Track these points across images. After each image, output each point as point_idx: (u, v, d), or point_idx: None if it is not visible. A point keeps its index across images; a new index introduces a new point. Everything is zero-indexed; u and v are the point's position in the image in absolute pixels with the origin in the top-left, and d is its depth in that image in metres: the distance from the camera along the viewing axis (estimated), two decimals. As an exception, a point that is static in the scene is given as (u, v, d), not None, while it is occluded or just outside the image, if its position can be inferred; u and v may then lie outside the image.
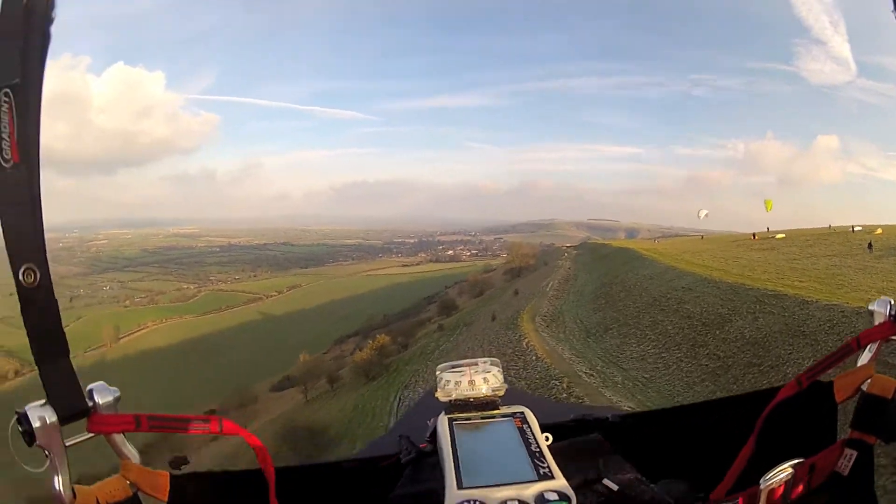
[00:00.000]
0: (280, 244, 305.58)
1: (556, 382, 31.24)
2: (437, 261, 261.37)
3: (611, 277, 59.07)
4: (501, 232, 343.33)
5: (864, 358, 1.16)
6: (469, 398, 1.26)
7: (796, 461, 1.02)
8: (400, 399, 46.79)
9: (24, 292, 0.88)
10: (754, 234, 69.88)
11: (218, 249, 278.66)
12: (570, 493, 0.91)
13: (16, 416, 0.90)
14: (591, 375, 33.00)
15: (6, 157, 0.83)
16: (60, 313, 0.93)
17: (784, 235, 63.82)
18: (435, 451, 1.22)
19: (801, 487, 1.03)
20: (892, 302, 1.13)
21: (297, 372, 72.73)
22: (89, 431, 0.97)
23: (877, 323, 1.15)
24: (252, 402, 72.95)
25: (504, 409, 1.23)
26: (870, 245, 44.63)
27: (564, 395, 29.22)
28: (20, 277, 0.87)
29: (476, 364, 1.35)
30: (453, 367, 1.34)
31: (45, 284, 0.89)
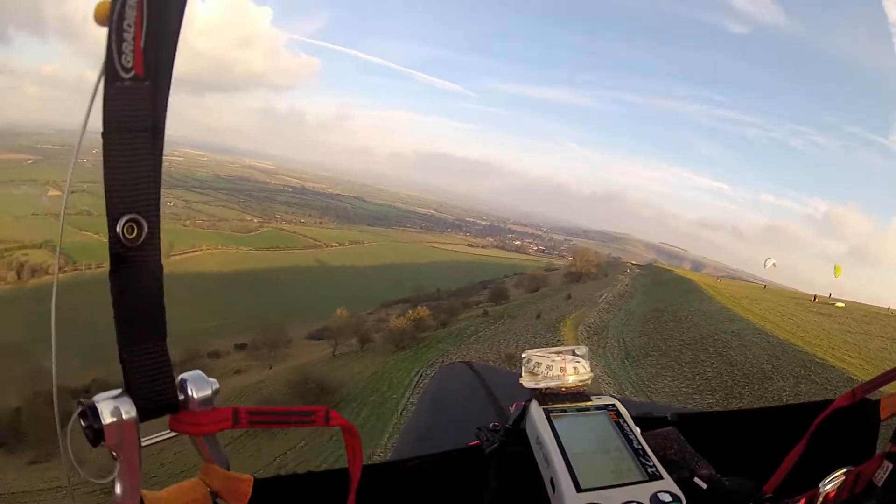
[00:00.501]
0: (353, 197, 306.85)
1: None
2: (503, 248, 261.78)
3: (665, 304, 58.32)
4: (573, 234, 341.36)
5: None
6: (560, 387, 1.20)
7: (847, 469, 1.09)
8: (421, 376, 46.85)
9: (120, 250, 0.68)
10: (815, 297, 67.66)
11: (290, 189, 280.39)
12: (680, 493, 0.91)
13: (79, 408, 0.72)
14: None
15: (126, 65, 0.63)
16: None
17: (843, 305, 61.49)
18: (518, 440, 1.17)
19: (845, 493, 1.11)
20: None
21: (335, 325, 73.19)
22: (172, 430, 0.82)
23: None
24: (284, 345, 74.26)
25: (595, 401, 1.20)
26: None
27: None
28: (120, 230, 0.67)
29: (568, 350, 1.28)
30: (542, 351, 1.27)
31: (152, 243, 0.71)
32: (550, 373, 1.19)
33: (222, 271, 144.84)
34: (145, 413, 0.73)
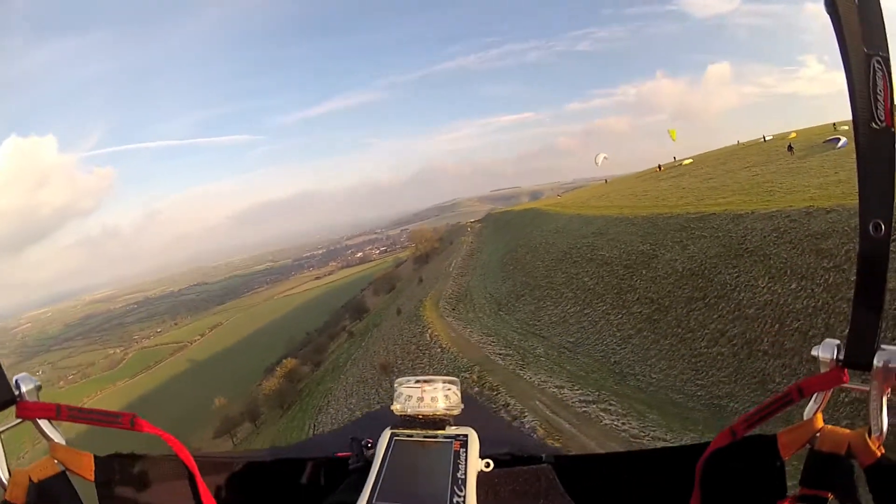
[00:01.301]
0: (194, 286, 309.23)
1: (466, 375, 25.10)
2: (348, 265, 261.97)
3: (515, 242, 54.04)
4: (406, 223, 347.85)
5: (811, 410, 1.04)
6: (419, 415, 1.25)
7: None
8: (314, 427, 40.88)
9: None
10: (659, 166, 67.38)
11: (135, 307, 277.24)
12: None
13: None
14: (508, 356, 27.21)
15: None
16: None
17: (692, 161, 61.37)
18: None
19: None
20: (839, 345, 0.98)
21: (230, 414, 66.71)
22: (17, 417, 1.06)
23: (823, 371, 1.01)
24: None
25: (450, 430, 1.23)
26: (790, 147, 42.07)
27: (477, 388, 23.43)
28: None
29: (433, 380, 1.31)
30: (412, 381, 1.31)
31: None
32: (409, 403, 1.26)
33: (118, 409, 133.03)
34: None
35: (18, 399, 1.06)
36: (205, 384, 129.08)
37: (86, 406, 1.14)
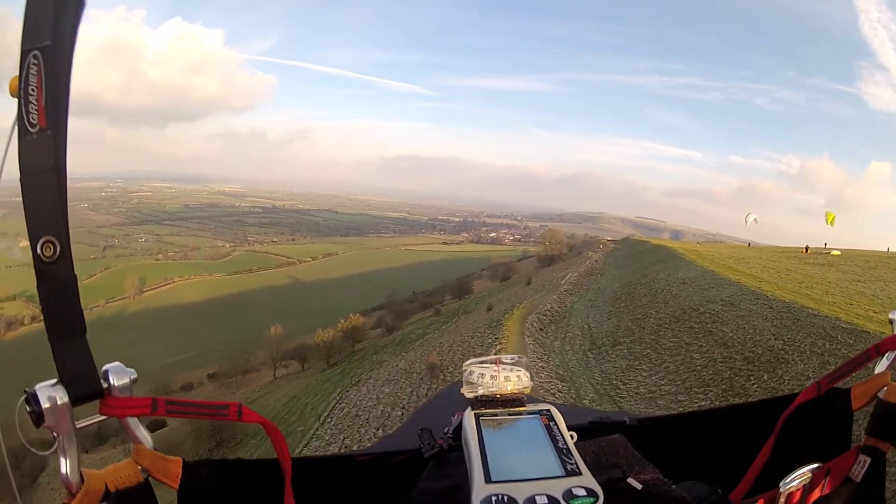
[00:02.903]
0: (324, 210, 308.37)
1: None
2: (478, 241, 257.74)
3: (637, 277, 49.21)
4: (548, 220, 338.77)
5: (882, 366, 1.17)
6: (496, 394, 1.27)
7: (814, 465, 1.04)
8: (337, 400, 38.74)
9: (41, 266, 0.84)
10: (807, 247, 61.26)
11: (261, 210, 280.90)
12: (598, 489, 0.91)
13: (24, 396, 0.87)
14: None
15: (32, 121, 0.80)
16: (78, 284, 0.89)
17: (839, 253, 54.88)
18: (458, 447, 1.20)
19: (816, 492, 1.05)
20: None
21: (310, 342, 65.87)
22: (101, 414, 0.94)
23: None
24: (254, 370, 68.14)
25: (530, 407, 1.24)
26: None
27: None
28: (38, 250, 0.82)
29: (504, 360, 1.34)
30: (481, 362, 1.34)
31: (65, 258, 0.85)
32: (483, 381, 1.28)
33: (194, 301, 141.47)
34: (75, 399, 0.87)
35: (107, 393, 0.93)
36: (291, 306, 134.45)
37: (183, 397, 1.04)
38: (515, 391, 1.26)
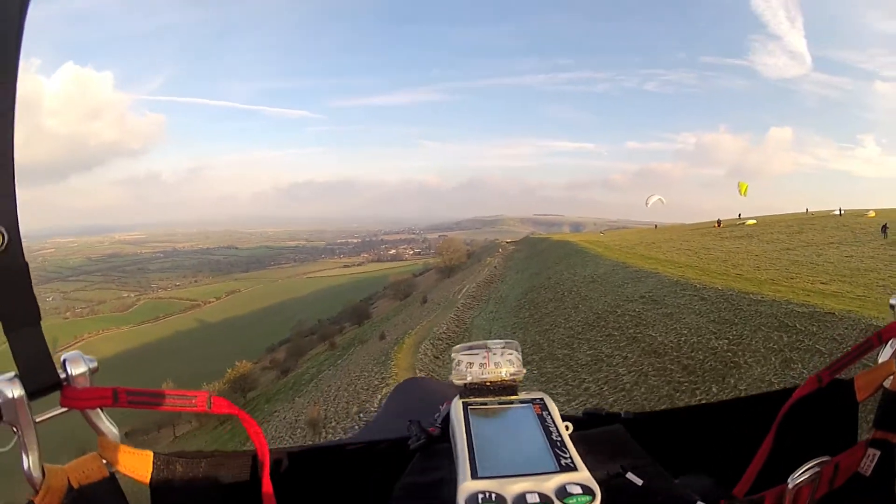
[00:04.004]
0: (223, 248, 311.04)
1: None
2: (379, 260, 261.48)
3: (541, 280, 44.13)
4: (446, 229, 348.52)
5: (886, 354, 1.09)
6: (486, 382, 1.14)
7: (822, 459, 0.99)
8: None
9: None
10: (719, 221, 60.05)
11: (161, 255, 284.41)
12: (595, 486, 0.85)
13: None
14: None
15: None
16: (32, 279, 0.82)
17: (755, 222, 53.57)
18: (446, 438, 1.11)
19: (825, 487, 1.00)
20: None
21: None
22: (61, 405, 0.86)
23: None
24: (167, 426, 60.36)
25: (523, 395, 1.13)
26: (884, 228, 33.81)
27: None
28: None
29: (493, 346, 1.21)
30: (469, 348, 1.21)
31: (15, 247, 0.79)
32: (472, 369, 1.16)
33: (107, 356, 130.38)
34: (33, 392, 0.80)
35: (65, 383, 0.85)
36: (199, 349, 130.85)
37: (146, 388, 0.95)
38: (507, 378, 1.14)
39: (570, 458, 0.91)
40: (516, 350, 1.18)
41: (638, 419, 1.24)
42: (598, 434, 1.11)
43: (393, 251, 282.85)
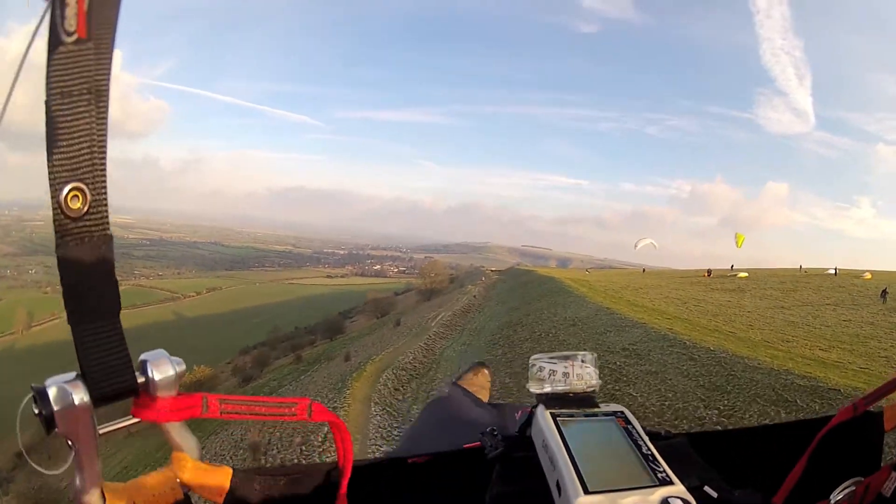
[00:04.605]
0: (210, 243, 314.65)
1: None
2: (363, 274, 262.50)
3: (521, 314, 41.85)
4: (433, 251, 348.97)
5: None
6: (569, 392, 1.13)
7: (856, 480, 1.06)
8: None
9: (64, 223, 0.61)
10: (709, 271, 58.78)
11: (148, 243, 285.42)
12: (692, 499, 0.88)
13: (31, 394, 0.63)
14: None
15: (69, 29, 0.58)
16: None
17: (747, 274, 52.26)
18: (523, 446, 1.10)
19: None
20: None
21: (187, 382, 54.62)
22: (134, 416, 0.71)
23: None
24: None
25: (604, 407, 1.13)
26: (884, 293, 32.47)
27: None
28: (62, 202, 0.60)
29: (575, 356, 1.18)
30: (550, 357, 1.18)
31: (99, 213, 0.63)
32: (556, 377, 1.15)
33: (69, 339, 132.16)
34: (100, 398, 0.65)
35: (142, 389, 0.69)
36: (171, 343, 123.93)
37: (240, 394, 0.83)
38: (588, 389, 1.13)
39: (665, 471, 0.92)
40: (593, 364, 1.17)
41: (688, 439, 1.21)
42: (664, 447, 1.06)
43: (378, 267, 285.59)
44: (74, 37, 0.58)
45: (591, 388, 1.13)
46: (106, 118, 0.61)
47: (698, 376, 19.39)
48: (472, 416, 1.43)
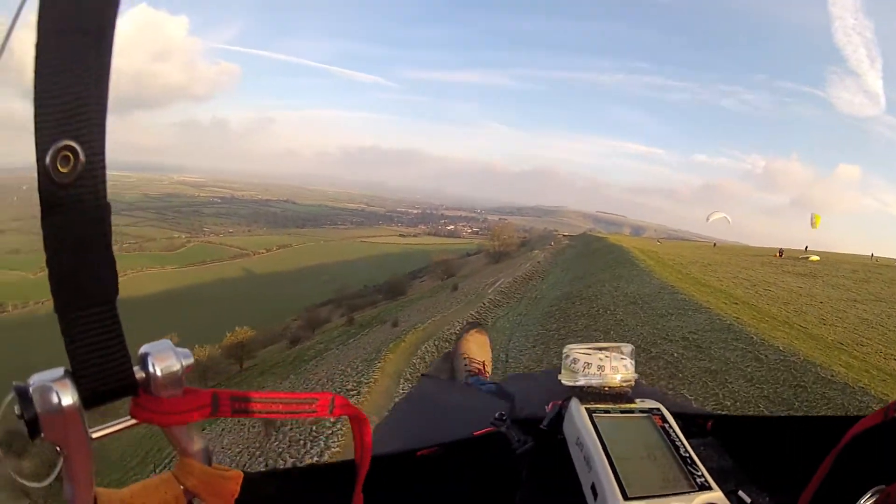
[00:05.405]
0: (282, 201, 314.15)
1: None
2: (435, 234, 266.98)
3: (582, 285, 39.02)
4: (507, 213, 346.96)
5: None
6: (604, 387, 1.10)
7: (880, 487, 1.02)
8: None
9: (51, 189, 0.48)
10: (780, 251, 55.29)
11: (219, 201, 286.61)
12: None
13: (12, 393, 0.51)
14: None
15: None
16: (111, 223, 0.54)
17: (819, 259, 48.74)
18: (552, 439, 1.08)
19: None
20: None
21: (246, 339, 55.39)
22: (133, 417, 0.59)
23: None
24: None
25: (640, 404, 1.10)
26: None
27: None
28: (49, 163, 0.47)
29: (611, 348, 1.16)
30: (586, 348, 1.16)
31: (93, 177, 0.50)
32: (590, 370, 1.11)
33: (141, 295, 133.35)
34: (92, 398, 0.54)
35: (142, 387, 0.57)
36: (237, 299, 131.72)
37: (254, 390, 0.70)
38: (623, 384, 1.10)
39: (703, 476, 0.90)
40: (630, 356, 1.14)
41: (719, 423, 1.21)
42: (697, 447, 1.04)
43: (451, 227, 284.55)
44: None
45: (627, 383, 1.10)
46: (109, 64, 0.49)
47: (763, 383, 16.79)
48: (455, 402, 1.38)
